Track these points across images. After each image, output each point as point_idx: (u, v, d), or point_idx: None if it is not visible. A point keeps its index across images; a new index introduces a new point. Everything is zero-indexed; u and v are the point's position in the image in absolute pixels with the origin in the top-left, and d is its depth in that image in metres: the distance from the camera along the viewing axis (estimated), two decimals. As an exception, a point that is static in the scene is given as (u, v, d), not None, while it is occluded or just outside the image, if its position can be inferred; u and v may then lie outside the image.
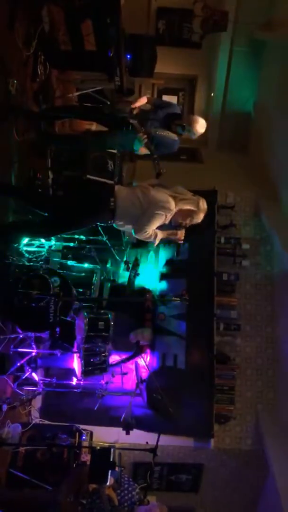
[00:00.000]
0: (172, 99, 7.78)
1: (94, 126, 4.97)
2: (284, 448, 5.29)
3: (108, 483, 3.78)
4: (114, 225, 3.46)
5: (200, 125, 4.10)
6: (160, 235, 3.42)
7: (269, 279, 6.12)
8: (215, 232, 5.80)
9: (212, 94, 7.46)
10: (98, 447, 3.91)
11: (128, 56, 4.87)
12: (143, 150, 4.06)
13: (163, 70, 6.86)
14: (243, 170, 7.06)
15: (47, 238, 4.38)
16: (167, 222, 3.40)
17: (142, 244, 5.52)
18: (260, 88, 7.08)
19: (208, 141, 7.80)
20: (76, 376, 4.64)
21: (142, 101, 4.16)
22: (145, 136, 3.85)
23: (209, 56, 7.27)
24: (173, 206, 3.32)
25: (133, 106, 4.07)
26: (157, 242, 3.44)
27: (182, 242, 3.62)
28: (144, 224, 3.30)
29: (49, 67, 4.73)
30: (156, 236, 3.39)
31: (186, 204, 3.39)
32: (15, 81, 3.80)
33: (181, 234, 3.52)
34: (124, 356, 5.12)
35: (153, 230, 3.36)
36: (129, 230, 3.53)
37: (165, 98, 7.74)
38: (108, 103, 5.43)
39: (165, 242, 5.52)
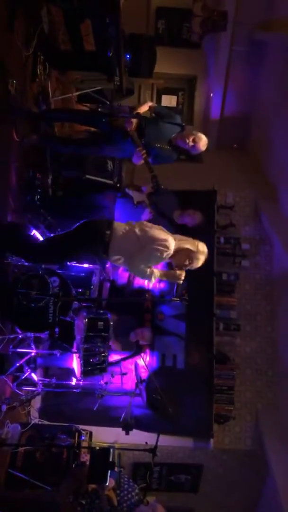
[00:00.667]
0: (172, 99, 7.78)
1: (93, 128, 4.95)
2: (284, 447, 5.29)
3: (108, 485, 3.78)
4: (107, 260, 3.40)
5: (203, 143, 4.07)
6: (158, 273, 3.34)
7: (268, 279, 6.13)
8: (215, 232, 5.80)
9: (211, 94, 7.46)
10: (98, 448, 3.91)
11: (128, 56, 4.88)
12: (141, 160, 4.05)
13: (163, 70, 6.86)
14: (243, 170, 7.06)
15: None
16: (166, 261, 3.35)
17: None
18: (259, 87, 7.07)
19: (207, 141, 7.79)
20: (75, 376, 4.64)
21: (144, 108, 4.13)
22: (144, 151, 3.81)
23: (208, 56, 7.27)
24: (172, 245, 3.25)
25: (135, 112, 4.02)
26: (153, 280, 3.36)
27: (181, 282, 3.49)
28: (141, 260, 3.25)
29: (48, 67, 4.72)
30: (152, 274, 3.30)
31: (185, 243, 3.33)
32: (15, 82, 3.79)
33: (180, 274, 3.41)
34: (124, 356, 5.12)
35: (150, 268, 3.28)
36: (124, 266, 3.45)
37: (165, 98, 7.76)
38: (108, 103, 5.43)
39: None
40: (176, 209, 4.53)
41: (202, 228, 4.81)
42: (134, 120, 3.97)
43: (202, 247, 3.36)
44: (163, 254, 3.26)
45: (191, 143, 4.03)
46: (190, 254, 3.33)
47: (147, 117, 4.19)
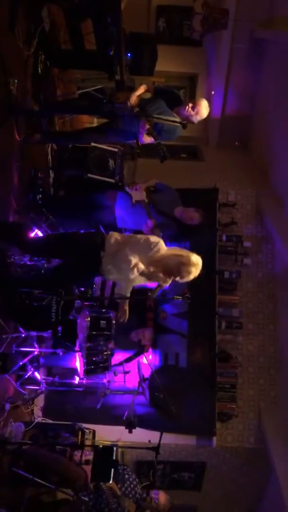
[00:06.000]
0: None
1: (95, 123, 4.95)
2: (287, 445, 5.29)
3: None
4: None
5: (204, 106, 4.06)
6: (142, 267, 3.18)
7: (271, 277, 6.12)
8: (217, 230, 5.79)
9: (212, 92, 7.45)
10: (101, 446, 3.91)
11: (129, 55, 4.87)
12: (147, 139, 4.02)
13: (164, 68, 6.85)
14: (244, 167, 7.06)
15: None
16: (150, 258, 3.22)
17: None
18: (260, 85, 7.06)
19: (208, 139, 7.80)
20: (78, 375, 4.65)
21: (141, 90, 4.10)
22: (148, 122, 3.80)
23: (209, 54, 7.27)
24: (161, 242, 3.20)
25: (131, 99, 4.00)
26: (135, 273, 3.19)
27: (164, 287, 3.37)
28: (129, 250, 3.17)
29: (49, 66, 4.72)
30: (136, 266, 3.15)
31: (176, 252, 3.23)
32: (16, 81, 3.79)
33: (163, 279, 3.26)
34: (126, 355, 5.12)
35: (135, 259, 3.16)
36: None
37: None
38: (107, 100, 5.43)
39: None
40: (178, 205, 4.49)
41: (203, 226, 4.79)
42: (136, 94, 3.99)
43: (196, 259, 3.17)
44: (151, 246, 3.18)
45: (191, 109, 4.02)
46: (180, 266, 3.13)
47: (146, 98, 4.18)
